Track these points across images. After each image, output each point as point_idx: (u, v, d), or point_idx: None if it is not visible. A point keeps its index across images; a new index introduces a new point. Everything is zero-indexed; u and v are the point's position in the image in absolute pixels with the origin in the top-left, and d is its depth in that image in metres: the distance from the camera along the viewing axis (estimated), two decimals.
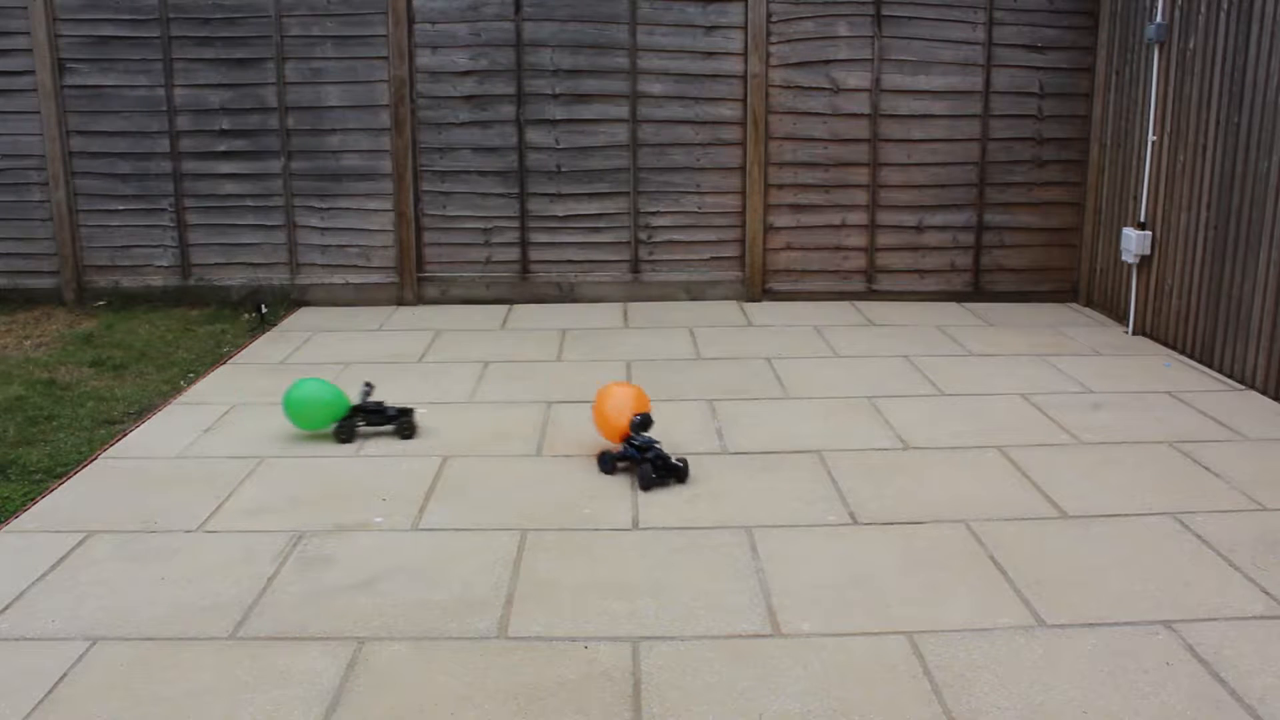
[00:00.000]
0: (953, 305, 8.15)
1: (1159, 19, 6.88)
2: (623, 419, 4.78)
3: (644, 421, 4.77)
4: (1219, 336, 6.32)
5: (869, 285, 8.29)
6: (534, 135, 8.11)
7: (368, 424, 5.34)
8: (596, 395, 5.01)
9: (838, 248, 8.25)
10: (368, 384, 5.45)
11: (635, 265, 8.29)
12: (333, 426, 5.28)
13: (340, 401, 5.29)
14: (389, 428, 5.36)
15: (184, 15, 7.91)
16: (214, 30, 7.93)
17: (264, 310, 7.76)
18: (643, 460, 4.67)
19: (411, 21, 7.94)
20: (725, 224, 8.25)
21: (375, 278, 8.25)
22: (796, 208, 8.20)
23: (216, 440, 5.30)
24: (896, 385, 6.11)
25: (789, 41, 7.97)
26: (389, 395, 5.95)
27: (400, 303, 8.24)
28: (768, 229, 8.20)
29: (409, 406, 5.42)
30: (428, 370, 6.51)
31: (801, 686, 3.18)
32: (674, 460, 4.71)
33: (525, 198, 8.19)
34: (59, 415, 5.64)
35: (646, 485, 4.62)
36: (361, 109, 8.05)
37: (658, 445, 4.73)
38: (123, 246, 8.19)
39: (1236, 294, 6.14)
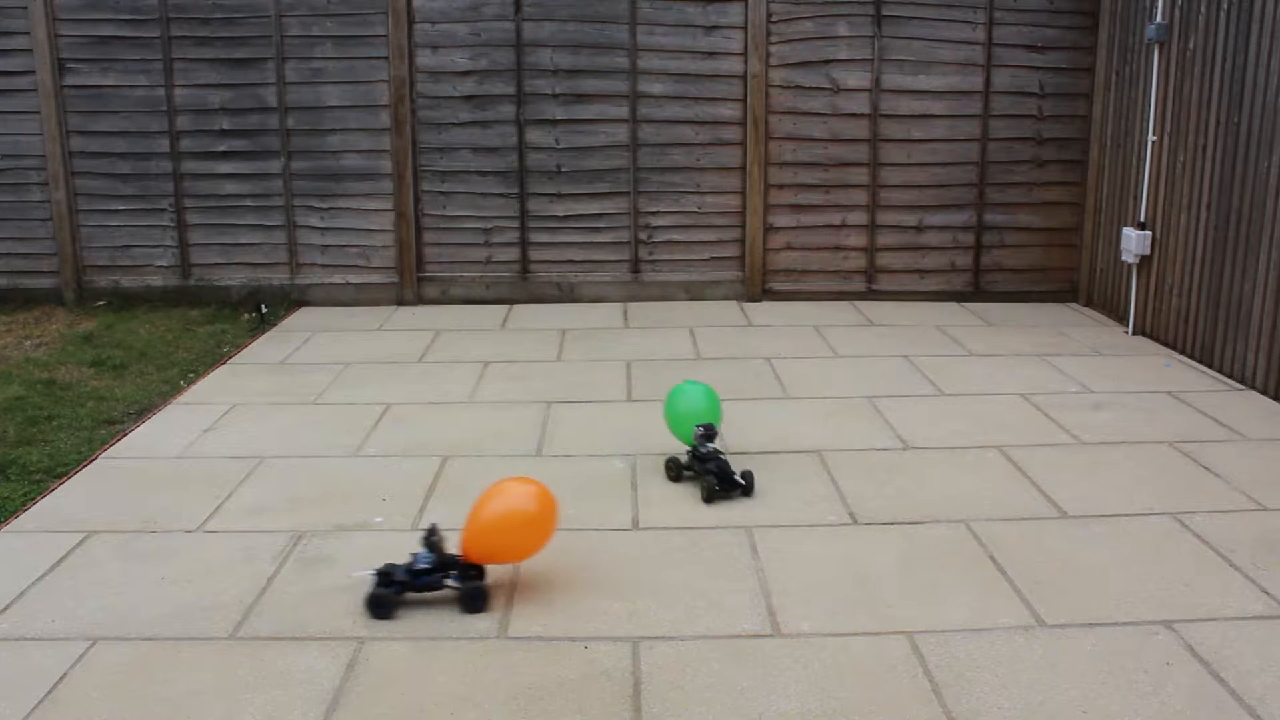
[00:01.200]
0: (953, 305, 8.15)
1: (1159, 19, 6.88)
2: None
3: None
4: (1219, 336, 6.32)
5: (869, 285, 8.29)
6: (534, 135, 8.11)
7: (686, 467, 4.68)
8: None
9: (838, 248, 8.25)
10: (706, 426, 4.62)
11: (635, 265, 8.29)
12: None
13: (707, 416, 4.71)
14: (691, 474, 4.69)
15: (184, 15, 7.91)
16: (214, 30, 7.93)
17: (264, 310, 7.76)
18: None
19: (411, 21, 7.94)
20: (725, 224, 8.25)
21: (375, 278, 8.25)
22: (796, 208, 8.20)
23: (216, 440, 5.30)
24: (896, 385, 6.11)
25: (789, 41, 7.97)
26: (386, 396, 5.96)
27: (400, 303, 8.24)
28: (768, 229, 8.20)
29: (743, 477, 4.53)
30: (428, 370, 6.51)
31: (801, 686, 3.18)
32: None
33: (525, 198, 8.19)
34: (59, 415, 5.64)
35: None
36: (361, 109, 8.05)
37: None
38: (123, 246, 8.19)
39: (1236, 294, 6.14)
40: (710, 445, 4.58)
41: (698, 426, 4.60)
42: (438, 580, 3.65)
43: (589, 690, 3.17)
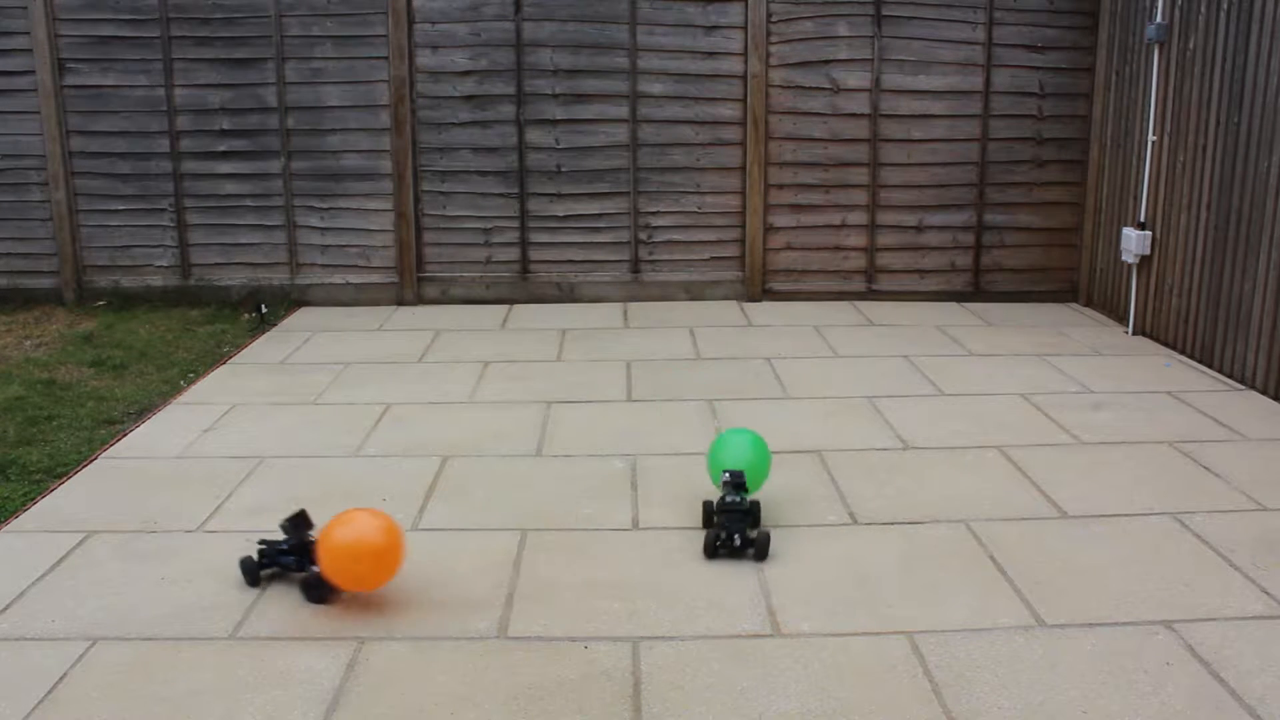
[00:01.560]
0: (953, 305, 8.15)
1: (1159, 19, 6.88)
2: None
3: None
4: (1219, 336, 6.32)
5: (869, 285, 8.29)
6: (534, 135, 8.11)
7: (716, 513, 4.13)
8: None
9: (838, 248, 8.25)
10: (735, 474, 4.14)
11: (635, 265, 8.29)
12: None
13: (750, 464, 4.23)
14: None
15: (184, 15, 7.91)
16: (214, 30, 7.93)
17: (264, 310, 7.75)
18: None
19: (411, 21, 7.94)
20: (725, 224, 8.25)
21: (375, 278, 8.25)
22: (796, 208, 8.20)
23: (216, 440, 5.30)
24: (896, 385, 6.11)
25: (789, 41, 7.97)
26: (386, 396, 5.96)
27: (400, 303, 8.24)
28: (768, 229, 8.20)
29: (754, 540, 4.01)
30: (428, 370, 6.51)
31: (801, 686, 3.18)
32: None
33: (525, 198, 8.19)
34: (59, 415, 5.64)
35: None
36: (361, 109, 8.05)
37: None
38: (123, 246, 8.19)
39: (1236, 294, 6.14)
40: (736, 496, 4.06)
41: (725, 472, 4.16)
42: (294, 563, 3.80)
43: (589, 690, 3.17)
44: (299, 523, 3.86)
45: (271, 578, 3.87)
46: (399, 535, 3.68)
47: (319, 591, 3.71)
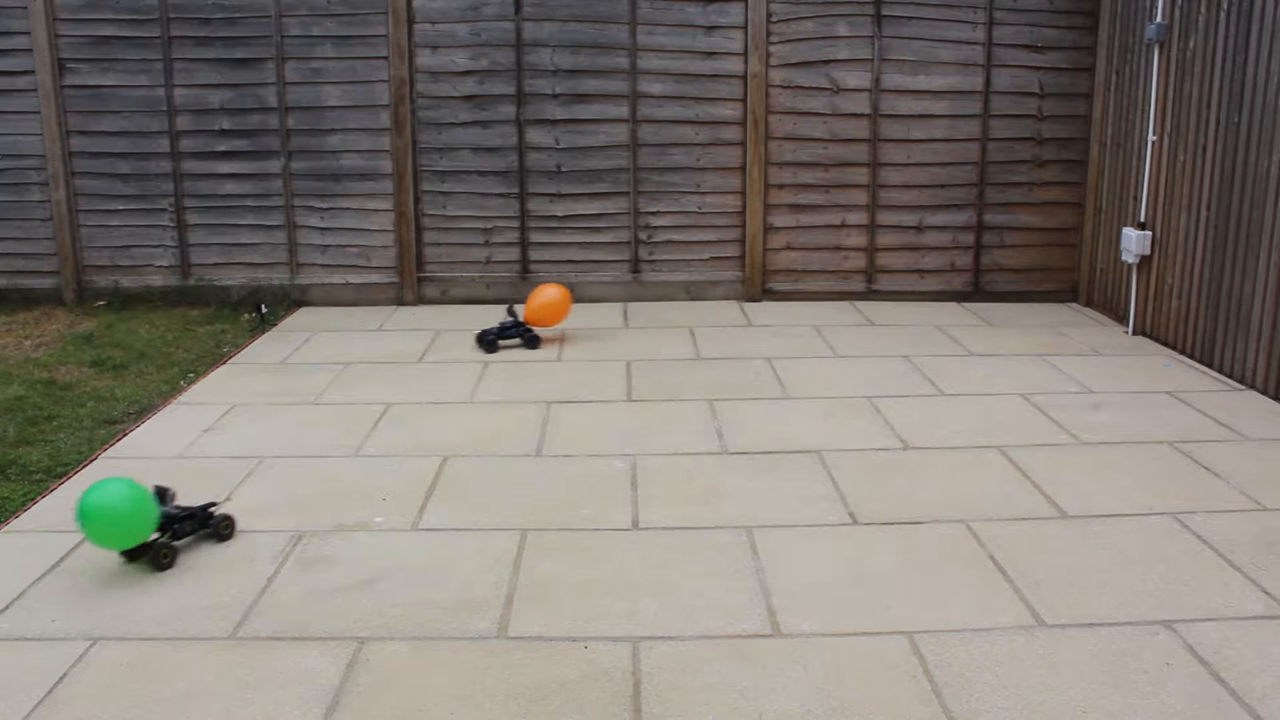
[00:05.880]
0: (953, 305, 8.15)
1: (1159, 19, 6.88)
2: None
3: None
4: (1219, 336, 6.32)
5: (869, 285, 8.29)
6: (534, 135, 8.11)
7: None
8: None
9: (838, 248, 8.25)
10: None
11: (635, 265, 8.29)
12: None
13: None
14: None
15: (184, 15, 7.91)
16: (214, 30, 7.93)
17: (264, 310, 7.75)
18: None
19: (411, 21, 7.94)
20: (725, 224, 8.25)
21: (375, 278, 8.25)
22: (796, 208, 8.20)
23: (216, 440, 5.30)
24: (896, 385, 6.11)
25: (789, 41, 7.97)
26: (386, 396, 5.96)
27: (400, 303, 8.24)
28: (768, 229, 8.20)
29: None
30: (428, 370, 6.51)
31: (801, 686, 3.18)
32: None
33: (525, 198, 8.19)
34: (59, 415, 5.64)
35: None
36: (361, 109, 8.05)
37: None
38: (123, 246, 8.19)
39: (1236, 294, 6.14)
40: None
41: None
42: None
43: (589, 690, 3.17)
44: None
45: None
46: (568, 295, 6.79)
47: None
